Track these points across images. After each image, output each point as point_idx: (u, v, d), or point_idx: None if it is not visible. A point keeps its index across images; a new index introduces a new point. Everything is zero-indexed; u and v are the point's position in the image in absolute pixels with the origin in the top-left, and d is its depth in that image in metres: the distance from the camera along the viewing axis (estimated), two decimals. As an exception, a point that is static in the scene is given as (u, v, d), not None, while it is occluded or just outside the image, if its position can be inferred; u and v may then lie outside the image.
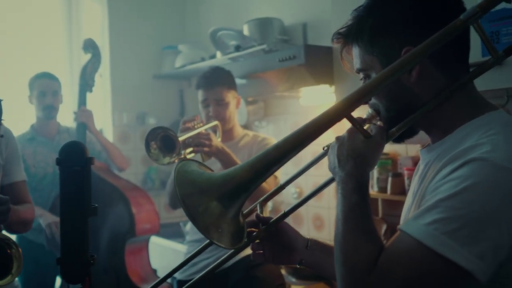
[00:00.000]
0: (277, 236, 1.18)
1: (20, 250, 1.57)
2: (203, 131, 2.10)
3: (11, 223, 1.76)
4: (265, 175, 0.92)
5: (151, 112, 3.87)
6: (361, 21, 0.96)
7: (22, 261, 1.55)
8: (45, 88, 2.85)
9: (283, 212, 1.12)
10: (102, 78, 3.57)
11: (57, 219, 2.58)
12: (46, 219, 2.59)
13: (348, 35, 0.99)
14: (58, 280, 2.81)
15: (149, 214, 2.69)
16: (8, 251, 1.53)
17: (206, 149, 2.06)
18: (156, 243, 3.21)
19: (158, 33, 3.94)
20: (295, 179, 1.20)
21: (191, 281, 1.22)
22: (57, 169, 3.25)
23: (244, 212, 1.09)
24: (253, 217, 1.17)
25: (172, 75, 3.84)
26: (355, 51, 0.99)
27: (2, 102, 1.67)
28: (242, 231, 0.95)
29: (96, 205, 1.33)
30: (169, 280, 2.89)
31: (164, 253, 3.23)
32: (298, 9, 3.03)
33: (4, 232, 1.77)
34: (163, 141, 1.98)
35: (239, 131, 2.42)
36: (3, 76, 3.47)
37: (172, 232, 3.47)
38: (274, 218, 1.13)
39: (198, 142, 2.05)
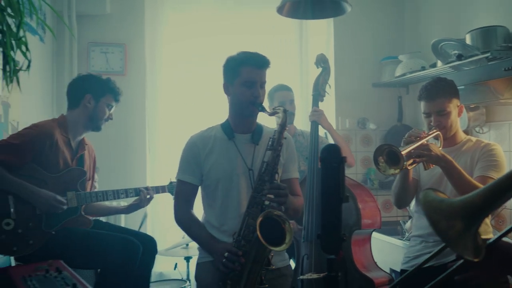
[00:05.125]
0: None
1: (291, 225, 1.96)
2: (424, 143, 2.28)
3: (287, 209, 2.10)
4: (499, 202, 1.02)
5: (371, 118, 4.16)
6: None
7: (293, 234, 1.96)
8: (284, 98, 3.29)
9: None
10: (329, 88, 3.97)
11: None
12: None
13: None
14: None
15: (373, 210, 2.93)
16: (283, 226, 1.95)
17: (424, 159, 2.25)
18: (375, 237, 3.48)
19: (378, 45, 4.22)
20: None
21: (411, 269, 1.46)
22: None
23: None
24: None
25: (390, 84, 4.06)
26: None
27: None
28: (481, 247, 1.07)
29: (348, 194, 1.68)
30: (387, 270, 3.17)
31: (382, 247, 3.49)
32: (525, 16, 3.01)
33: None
34: (388, 155, 2.22)
35: (461, 136, 2.52)
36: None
37: (389, 230, 3.71)
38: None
39: (418, 153, 2.24)
